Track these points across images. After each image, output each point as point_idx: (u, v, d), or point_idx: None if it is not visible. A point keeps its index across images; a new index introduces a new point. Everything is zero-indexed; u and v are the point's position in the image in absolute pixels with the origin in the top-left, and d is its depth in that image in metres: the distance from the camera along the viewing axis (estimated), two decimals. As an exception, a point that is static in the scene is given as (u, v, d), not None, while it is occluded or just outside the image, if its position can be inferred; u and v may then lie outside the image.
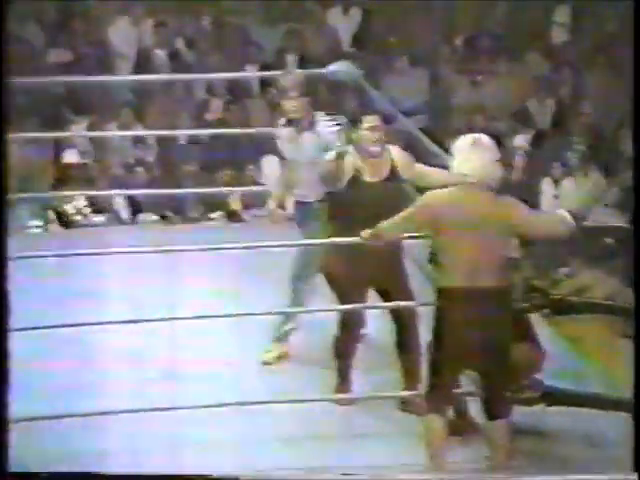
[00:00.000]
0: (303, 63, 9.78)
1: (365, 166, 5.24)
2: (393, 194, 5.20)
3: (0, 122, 3.46)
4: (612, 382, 5.31)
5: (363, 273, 5.24)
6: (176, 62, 10.00)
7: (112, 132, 9.19)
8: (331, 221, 5.31)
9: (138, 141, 9.42)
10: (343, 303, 5.35)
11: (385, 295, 5.35)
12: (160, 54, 10.06)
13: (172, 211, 8.97)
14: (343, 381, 5.47)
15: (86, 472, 4.22)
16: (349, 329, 5.40)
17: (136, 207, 8.93)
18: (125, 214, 8.89)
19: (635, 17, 4.04)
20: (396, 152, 5.35)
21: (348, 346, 5.44)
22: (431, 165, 5.45)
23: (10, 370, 3.55)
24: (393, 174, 5.29)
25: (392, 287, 5.29)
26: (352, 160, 5.25)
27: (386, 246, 4.94)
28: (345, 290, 5.33)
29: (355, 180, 5.24)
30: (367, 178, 5.24)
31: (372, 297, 5.45)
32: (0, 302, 3.51)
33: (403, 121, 6.77)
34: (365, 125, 5.21)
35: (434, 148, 5.96)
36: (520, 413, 4.88)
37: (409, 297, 5.26)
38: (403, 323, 5.28)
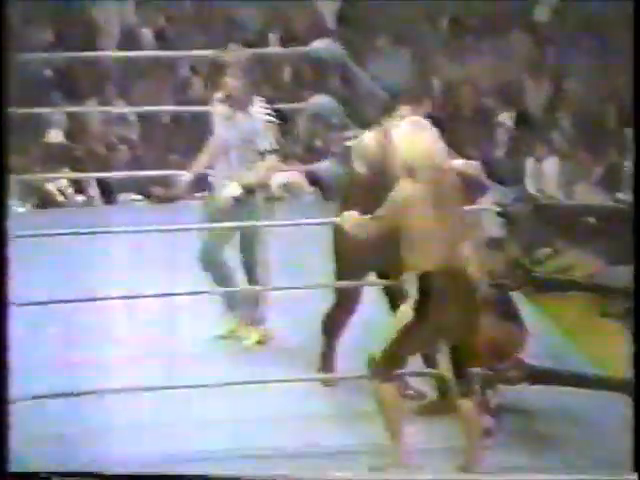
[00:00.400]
0: (286, 41, 9.76)
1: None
2: None
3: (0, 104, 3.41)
4: (592, 360, 5.32)
5: (370, 256, 5.11)
6: (161, 41, 9.96)
7: (94, 108, 9.16)
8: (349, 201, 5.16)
9: (121, 119, 9.39)
10: (342, 280, 5.28)
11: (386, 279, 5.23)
12: (145, 32, 10.01)
13: (156, 189, 8.94)
14: (327, 361, 5.42)
15: (86, 472, 4.21)
16: (344, 307, 5.33)
17: (118, 187, 8.90)
18: (105, 194, 8.86)
19: (635, 17, 4.00)
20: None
21: (339, 324, 5.37)
22: None
23: (10, 370, 3.53)
24: None
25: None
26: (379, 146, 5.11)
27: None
28: (349, 269, 5.24)
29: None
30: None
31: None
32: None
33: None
34: (399, 113, 5.03)
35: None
36: (503, 391, 4.89)
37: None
38: (397, 304, 5.20)
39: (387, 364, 4.54)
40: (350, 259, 5.20)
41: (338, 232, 5.08)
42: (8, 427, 3.53)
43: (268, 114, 5.67)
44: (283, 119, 5.57)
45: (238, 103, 5.71)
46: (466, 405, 4.57)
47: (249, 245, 5.75)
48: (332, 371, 5.41)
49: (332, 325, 5.40)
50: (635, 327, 3.94)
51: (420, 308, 4.49)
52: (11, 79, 8.88)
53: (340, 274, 5.30)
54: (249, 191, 5.59)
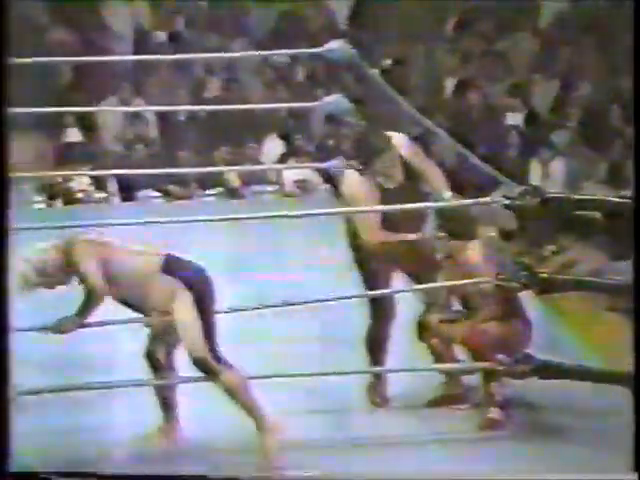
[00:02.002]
0: (298, 42, 9.81)
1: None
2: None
3: (0, 104, 3.45)
4: (599, 353, 5.34)
5: (398, 258, 5.06)
6: (175, 42, 10.02)
7: (111, 107, 9.22)
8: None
9: (137, 119, 9.45)
10: (370, 286, 5.11)
11: (415, 280, 5.11)
12: (160, 34, 10.07)
13: (173, 187, 9.00)
14: (377, 380, 5.18)
15: (86, 472, 4.19)
16: (382, 319, 5.13)
17: (136, 183, 8.97)
18: (124, 192, 8.93)
19: (635, 17, 4.01)
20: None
21: (382, 338, 5.16)
22: None
23: (11, 370, 3.49)
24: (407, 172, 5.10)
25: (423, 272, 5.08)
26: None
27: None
28: (374, 273, 5.10)
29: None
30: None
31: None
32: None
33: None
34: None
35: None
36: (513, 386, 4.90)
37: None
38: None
39: None
40: (379, 261, 5.08)
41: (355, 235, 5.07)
42: (8, 427, 3.49)
43: None
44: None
45: None
46: None
47: None
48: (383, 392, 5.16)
49: (375, 341, 5.17)
50: (635, 327, 3.96)
51: None
52: (31, 79, 8.99)
53: (366, 280, 5.12)
54: None
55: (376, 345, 5.16)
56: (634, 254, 3.91)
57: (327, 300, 4.99)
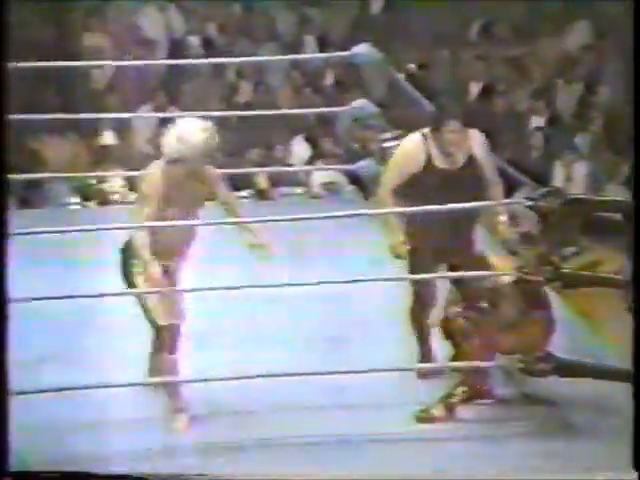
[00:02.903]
0: (324, 46, 9.87)
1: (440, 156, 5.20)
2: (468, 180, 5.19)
3: (0, 106, 3.45)
4: (620, 353, 5.35)
5: (441, 248, 5.23)
6: (208, 47, 10.09)
7: (146, 114, 9.32)
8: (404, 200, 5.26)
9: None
10: (415, 273, 5.30)
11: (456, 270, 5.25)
12: (192, 40, 10.15)
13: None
14: (425, 351, 5.40)
15: (86, 472, 4.18)
16: (422, 298, 5.32)
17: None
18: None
19: (635, 17, 4.02)
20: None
21: (423, 315, 5.36)
22: None
23: (9, 372, 3.50)
24: (470, 161, 5.23)
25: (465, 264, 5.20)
26: (427, 147, 5.20)
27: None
28: (420, 262, 5.28)
29: (428, 166, 5.20)
30: (441, 165, 5.20)
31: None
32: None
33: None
34: (447, 129, 5.14)
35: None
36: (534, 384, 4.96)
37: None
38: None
39: None
40: (424, 251, 5.24)
41: (411, 225, 5.20)
42: (8, 427, 3.47)
43: None
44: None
45: None
46: None
47: None
48: (431, 361, 5.35)
49: (418, 317, 5.38)
50: (635, 327, 3.97)
51: None
52: (67, 84, 9.04)
53: (413, 267, 5.29)
54: None
55: (419, 325, 5.37)
56: (634, 254, 3.93)
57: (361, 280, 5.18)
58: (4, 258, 3.45)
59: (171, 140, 4.87)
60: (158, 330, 4.92)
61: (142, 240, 4.79)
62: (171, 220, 4.86)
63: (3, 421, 3.44)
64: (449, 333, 5.10)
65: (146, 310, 4.89)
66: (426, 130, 5.23)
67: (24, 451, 3.89)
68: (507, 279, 4.94)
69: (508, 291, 4.93)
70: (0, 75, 3.41)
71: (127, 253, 4.90)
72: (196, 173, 4.94)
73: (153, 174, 4.89)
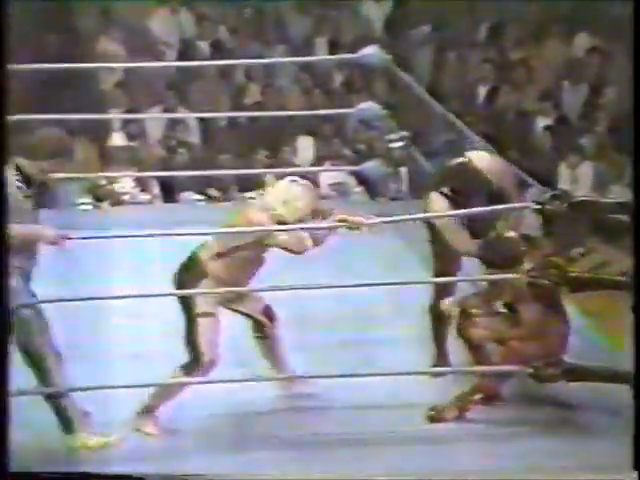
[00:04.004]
0: (334, 49, 9.86)
1: None
2: None
3: (0, 107, 3.42)
4: (628, 356, 5.33)
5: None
6: (218, 51, 10.09)
7: (155, 114, 9.33)
8: None
9: (180, 124, 9.55)
10: (440, 272, 5.32)
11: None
12: (202, 44, 10.17)
13: (213, 190, 9.08)
14: (440, 351, 5.43)
15: (86, 472, 4.17)
16: (443, 296, 5.28)
17: (179, 186, 9.05)
18: (167, 194, 9.00)
19: (635, 17, 4.01)
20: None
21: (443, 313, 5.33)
22: None
23: (9, 373, 3.49)
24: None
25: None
26: None
27: None
28: (448, 260, 5.32)
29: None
30: None
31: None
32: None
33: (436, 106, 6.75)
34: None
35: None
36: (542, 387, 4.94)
37: None
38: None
39: None
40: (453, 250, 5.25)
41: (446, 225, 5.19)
42: (8, 427, 3.44)
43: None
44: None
45: None
46: None
47: None
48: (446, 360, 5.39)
49: (438, 314, 5.36)
50: (635, 327, 3.95)
51: None
52: (79, 86, 9.07)
53: (441, 265, 5.34)
54: None
55: (438, 320, 5.37)
56: (634, 254, 3.92)
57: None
58: (5, 261, 3.44)
59: (276, 201, 4.85)
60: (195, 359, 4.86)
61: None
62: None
63: (3, 421, 3.42)
64: (469, 341, 5.09)
65: (191, 335, 4.84)
66: None
67: (24, 451, 3.89)
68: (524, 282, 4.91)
69: (527, 294, 4.91)
70: (0, 75, 3.38)
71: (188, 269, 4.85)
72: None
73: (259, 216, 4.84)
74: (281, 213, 4.80)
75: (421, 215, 5.36)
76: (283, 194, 4.84)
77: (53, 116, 6.24)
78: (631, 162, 4.16)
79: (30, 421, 4.46)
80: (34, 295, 4.57)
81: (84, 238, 4.68)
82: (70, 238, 4.55)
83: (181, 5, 10.40)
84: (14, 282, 4.28)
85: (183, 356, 4.81)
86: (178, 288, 4.83)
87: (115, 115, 9.06)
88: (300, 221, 4.85)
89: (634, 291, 4.05)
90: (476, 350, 5.08)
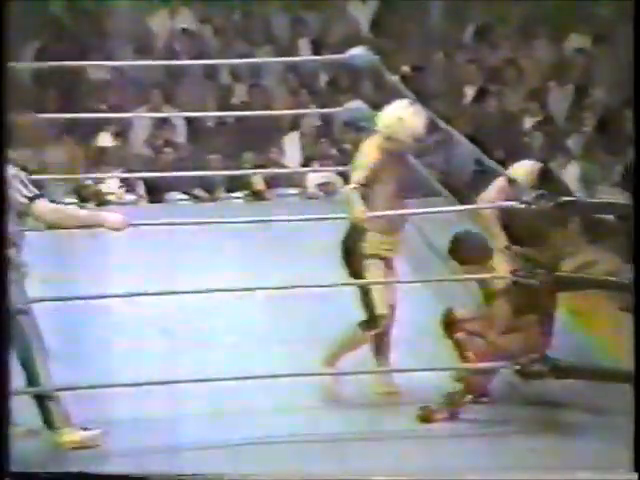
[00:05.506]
0: (319, 49, 9.86)
1: None
2: None
3: (0, 107, 3.43)
4: (614, 354, 5.34)
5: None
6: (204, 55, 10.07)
7: (141, 114, 9.31)
8: None
9: (166, 124, 9.52)
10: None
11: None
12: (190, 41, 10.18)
13: (200, 190, 9.05)
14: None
15: (86, 472, 4.17)
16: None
17: (165, 186, 9.02)
18: (152, 194, 8.98)
19: (635, 17, 4.00)
20: None
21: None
22: None
23: (10, 373, 3.51)
24: None
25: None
26: None
27: None
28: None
29: None
30: None
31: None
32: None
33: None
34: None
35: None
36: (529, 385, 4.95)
37: None
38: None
39: None
40: None
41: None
42: (8, 427, 3.46)
43: None
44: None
45: None
46: None
47: None
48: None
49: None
50: (635, 327, 3.94)
51: None
52: (65, 85, 9.03)
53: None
54: None
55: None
56: (634, 254, 3.91)
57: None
58: (4, 259, 3.45)
59: (391, 119, 4.97)
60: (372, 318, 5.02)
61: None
62: (382, 199, 4.93)
63: (3, 421, 3.41)
64: (452, 339, 5.08)
65: (367, 296, 5.00)
66: None
67: (24, 451, 3.88)
68: (505, 281, 4.90)
69: (503, 292, 4.90)
70: (0, 75, 3.38)
71: (353, 236, 4.96)
72: (403, 159, 5.04)
73: (370, 144, 5.03)
74: (396, 130, 4.92)
75: (412, 211, 5.31)
76: (398, 112, 4.96)
77: (42, 115, 6.22)
78: (631, 162, 4.14)
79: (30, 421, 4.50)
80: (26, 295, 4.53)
81: (144, 224, 4.84)
82: (133, 225, 4.63)
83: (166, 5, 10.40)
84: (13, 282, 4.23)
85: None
86: (345, 254, 5.02)
87: (101, 115, 9.01)
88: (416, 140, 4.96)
89: (634, 291, 4.03)
90: (463, 357, 5.05)
